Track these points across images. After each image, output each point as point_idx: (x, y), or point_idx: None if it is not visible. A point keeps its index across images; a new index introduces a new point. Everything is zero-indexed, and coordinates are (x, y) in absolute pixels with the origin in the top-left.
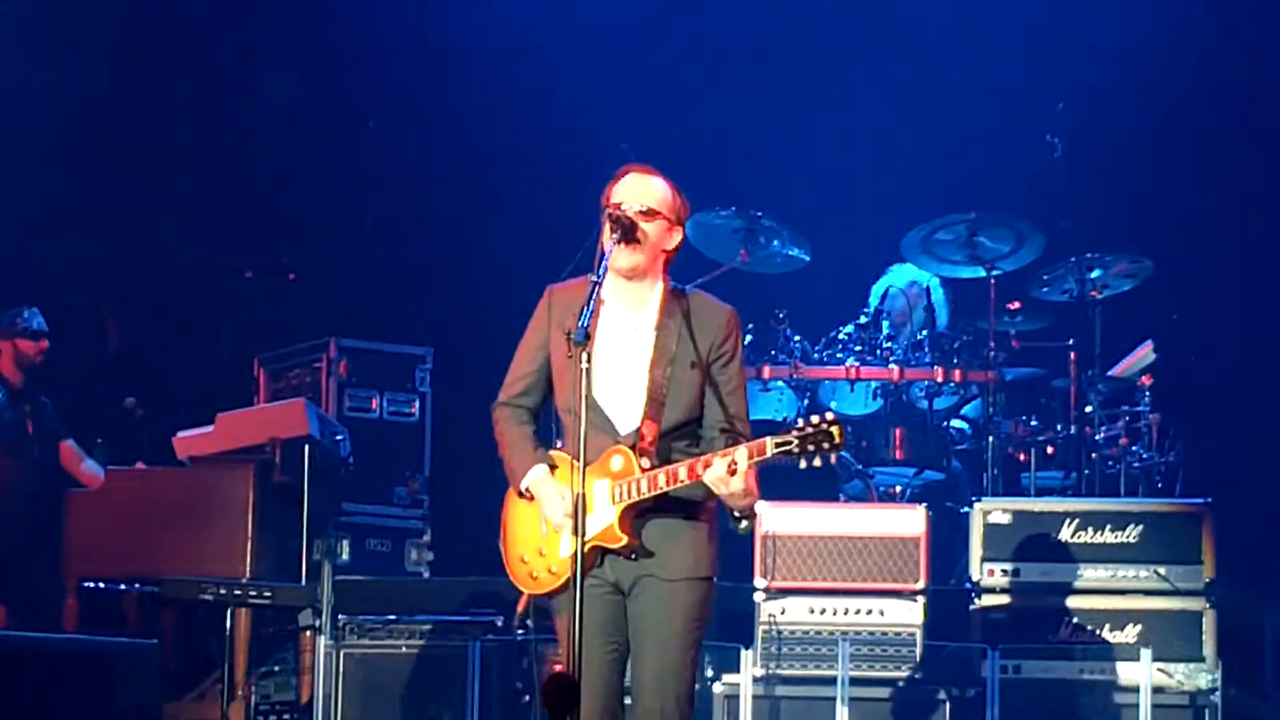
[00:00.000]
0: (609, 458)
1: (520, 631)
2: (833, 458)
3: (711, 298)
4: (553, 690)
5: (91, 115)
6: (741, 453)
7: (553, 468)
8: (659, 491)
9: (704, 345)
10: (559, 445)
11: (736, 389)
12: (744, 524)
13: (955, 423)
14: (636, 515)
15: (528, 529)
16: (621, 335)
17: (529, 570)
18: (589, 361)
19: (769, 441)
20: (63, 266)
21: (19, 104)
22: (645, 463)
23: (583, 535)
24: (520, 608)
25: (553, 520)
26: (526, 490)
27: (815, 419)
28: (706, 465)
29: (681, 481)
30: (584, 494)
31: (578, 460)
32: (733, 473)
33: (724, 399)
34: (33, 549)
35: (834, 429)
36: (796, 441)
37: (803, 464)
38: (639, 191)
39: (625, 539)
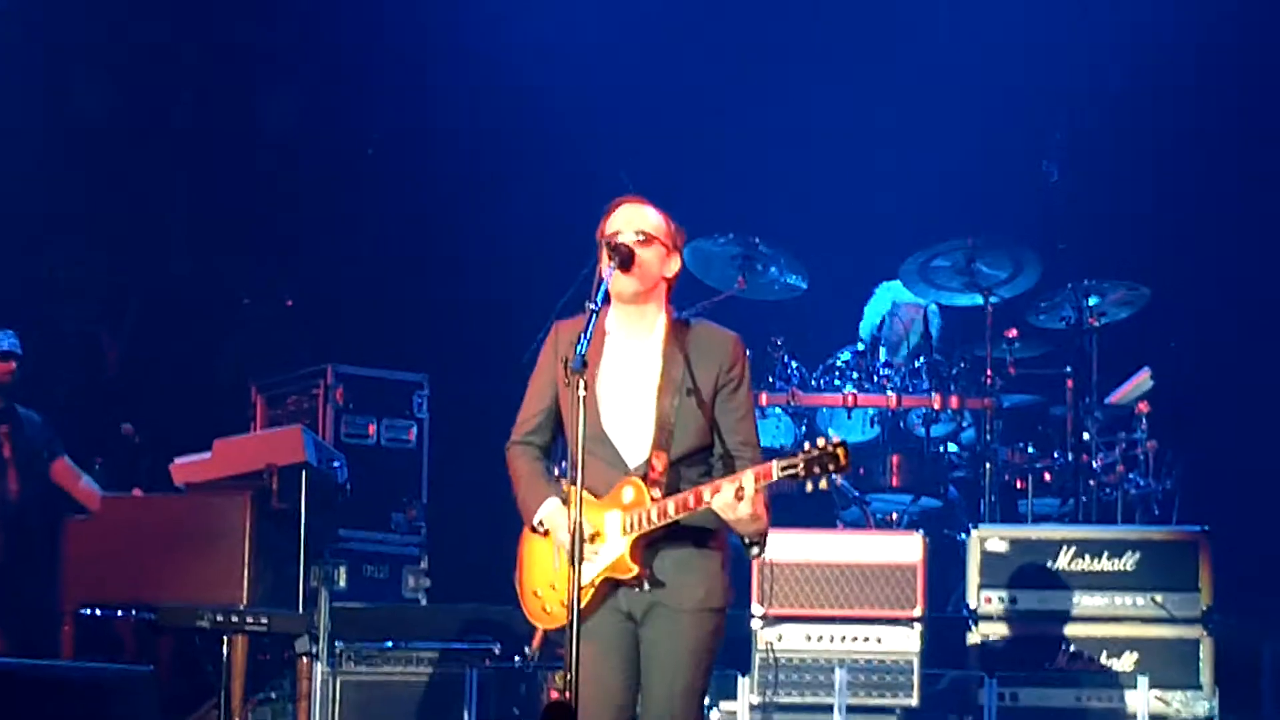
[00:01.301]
0: (620, 489)
1: (530, 662)
2: (839, 479)
3: (716, 325)
4: (551, 717)
5: (92, 141)
6: (748, 476)
7: (565, 501)
8: (669, 520)
9: (711, 373)
10: (569, 479)
11: (745, 415)
12: (755, 549)
13: (952, 450)
14: (647, 545)
15: (541, 564)
16: (628, 366)
17: (542, 604)
18: (587, 389)
19: (775, 465)
20: (61, 291)
21: (20, 128)
22: (656, 493)
23: (580, 560)
24: (535, 643)
25: (567, 550)
26: (540, 524)
27: (821, 441)
28: (715, 491)
29: (690, 509)
30: (581, 522)
31: (592, 492)
32: (740, 498)
33: (734, 425)
34: (28, 575)
35: (839, 450)
36: (803, 464)
37: (809, 486)
38: (633, 219)
39: (635, 570)
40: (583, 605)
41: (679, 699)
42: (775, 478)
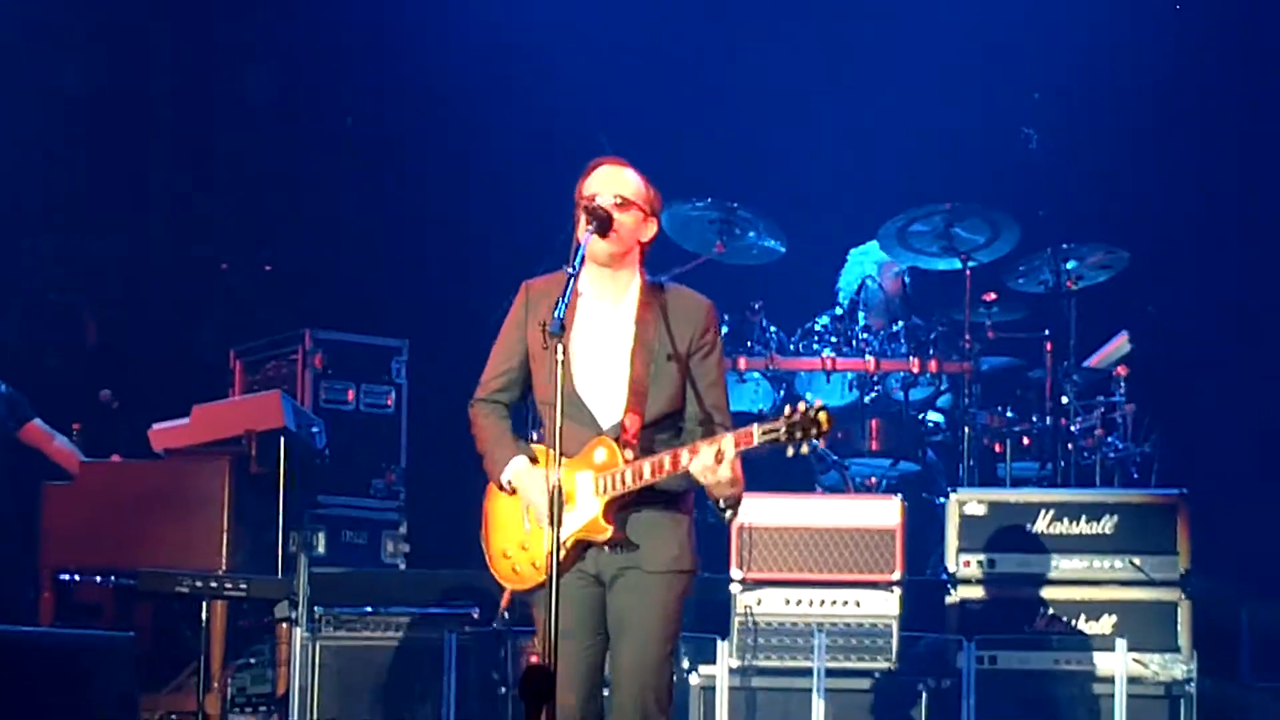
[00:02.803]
0: (592, 450)
1: (503, 625)
2: (820, 444)
3: (690, 291)
4: (529, 682)
5: (71, 112)
6: (728, 440)
7: (533, 460)
8: (644, 483)
9: (684, 338)
10: (534, 438)
11: (716, 381)
12: (729, 514)
13: (931, 415)
14: (620, 507)
15: (509, 524)
16: (601, 328)
17: (511, 565)
18: (565, 353)
19: (756, 429)
20: (41, 261)
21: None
22: (629, 454)
23: (558, 525)
24: (504, 603)
25: (536, 510)
26: (508, 483)
27: (802, 406)
28: (693, 454)
29: (667, 472)
30: (559, 484)
31: (560, 452)
32: (720, 461)
33: (704, 391)
34: (6, 541)
35: (821, 416)
36: (784, 429)
37: (790, 451)
38: (612, 183)
39: (610, 530)
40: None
41: (651, 661)
42: (756, 442)
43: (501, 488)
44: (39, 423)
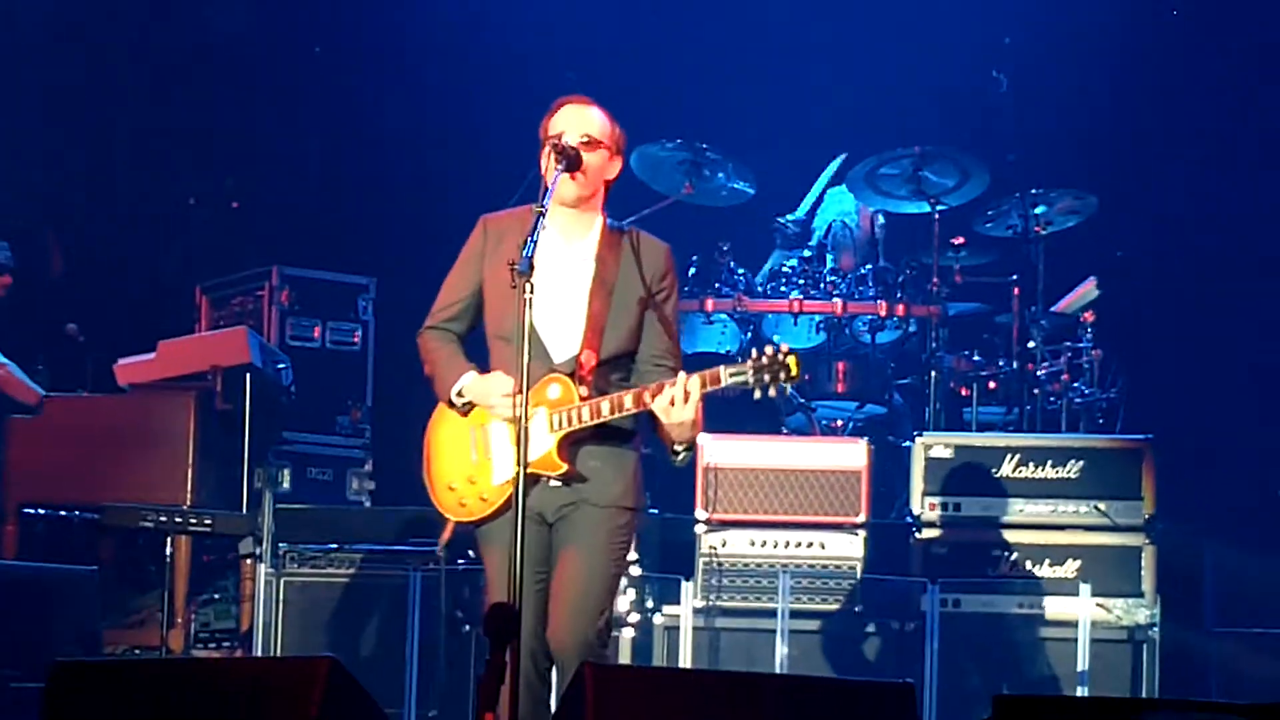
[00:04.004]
0: (546, 385)
1: (460, 562)
2: (788, 388)
3: (650, 235)
4: (493, 619)
5: (38, 42)
6: (694, 382)
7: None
8: (601, 420)
9: (643, 280)
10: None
11: (672, 324)
12: (682, 456)
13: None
14: (573, 443)
15: (456, 455)
16: (561, 265)
17: (458, 498)
18: (533, 291)
19: (724, 371)
20: (7, 192)
21: None
22: (583, 391)
23: (524, 458)
24: (445, 536)
25: (497, 410)
26: (460, 394)
27: (770, 350)
28: (655, 393)
29: (627, 410)
30: (527, 424)
31: (516, 385)
32: (684, 401)
33: (660, 333)
34: None
35: (789, 359)
36: (752, 373)
37: (757, 394)
38: (579, 122)
39: (565, 466)
40: (497, 505)
41: (593, 594)
42: (724, 384)
43: (452, 404)
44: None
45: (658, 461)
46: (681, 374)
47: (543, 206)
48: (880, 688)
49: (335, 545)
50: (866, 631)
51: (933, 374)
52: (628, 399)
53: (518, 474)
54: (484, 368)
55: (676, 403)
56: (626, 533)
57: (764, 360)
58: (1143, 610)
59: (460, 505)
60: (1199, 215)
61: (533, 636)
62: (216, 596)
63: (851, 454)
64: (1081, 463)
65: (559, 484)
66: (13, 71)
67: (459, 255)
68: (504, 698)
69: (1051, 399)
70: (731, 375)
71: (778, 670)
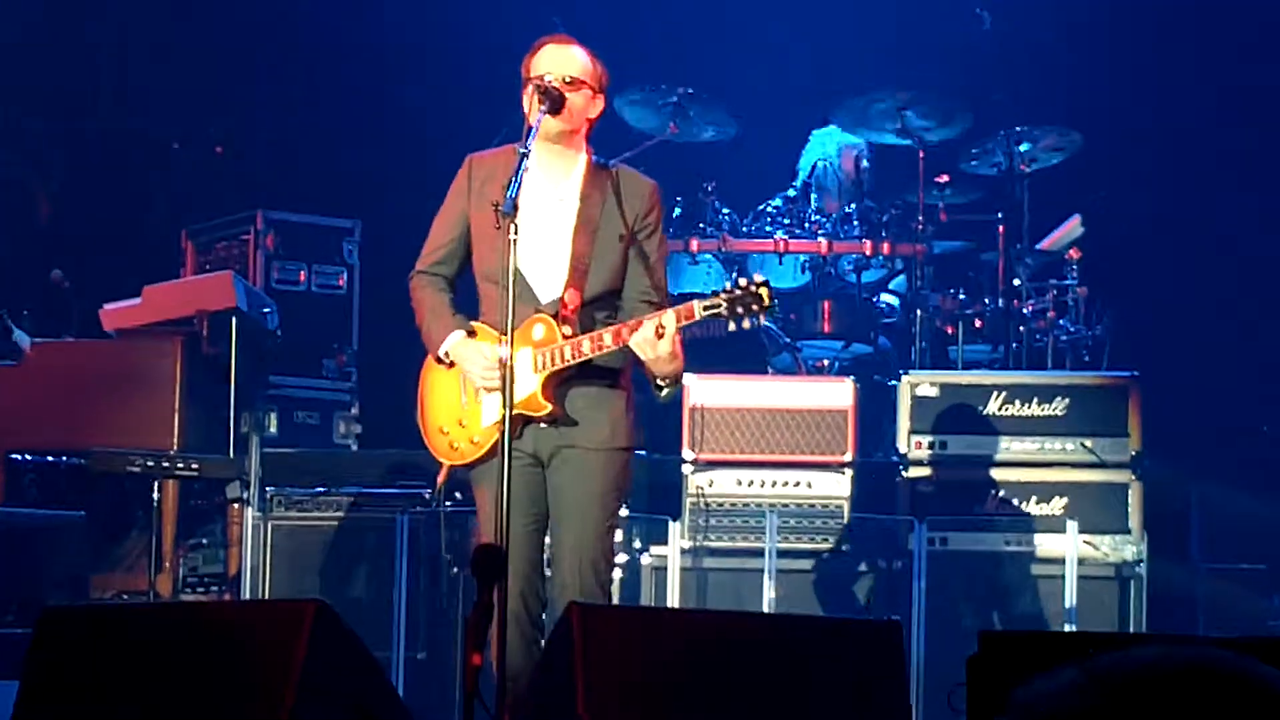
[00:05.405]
0: (530, 326)
1: (447, 504)
2: (761, 319)
3: (635, 171)
4: (480, 561)
5: None
6: (669, 316)
7: (471, 335)
8: (582, 358)
9: (628, 217)
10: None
11: (658, 261)
12: (666, 391)
13: (884, 297)
14: (559, 384)
15: (447, 399)
16: (545, 204)
17: (449, 441)
18: (517, 232)
19: (697, 304)
20: None
21: None
22: (567, 330)
23: (510, 400)
24: (441, 479)
25: (476, 380)
26: (446, 355)
27: (743, 281)
28: (634, 329)
29: (606, 347)
30: (512, 364)
31: (503, 329)
32: (660, 335)
33: (645, 271)
34: None
35: (762, 290)
36: (725, 303)
37: (731, 326)
38: (561, 62)
39: (549, 407)
40: (487, 448)
41: (590, 538)
42: (698, 317)
43: (440, 361)
44: None
45: (644, 403)
46: (666, 310)
47: (525, 148)
48: (868, 625)
49: (322, 489)
50: (854, 570)
51: (918, 312)
52: (607, 336)
53: (503, 416)
54: (475, 308)
55: (652, 338)
56: (622, 475)
57: (737, 291)
58: (1130, 547)
59: (452, 448)
60: (1183, 151)
61: (523, 579)
62: (204, 541)
63: (838, 393)
64: (1068, 400)
65: (547, 426)
66: None
67: (446, 196)
68: (492, 638)
69: (1037, 336)
70: (706, 308)
71: (765, 609)
